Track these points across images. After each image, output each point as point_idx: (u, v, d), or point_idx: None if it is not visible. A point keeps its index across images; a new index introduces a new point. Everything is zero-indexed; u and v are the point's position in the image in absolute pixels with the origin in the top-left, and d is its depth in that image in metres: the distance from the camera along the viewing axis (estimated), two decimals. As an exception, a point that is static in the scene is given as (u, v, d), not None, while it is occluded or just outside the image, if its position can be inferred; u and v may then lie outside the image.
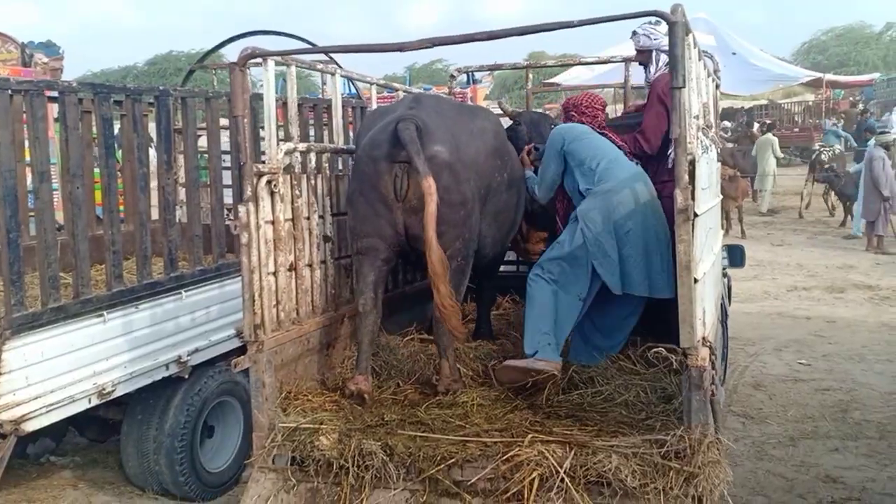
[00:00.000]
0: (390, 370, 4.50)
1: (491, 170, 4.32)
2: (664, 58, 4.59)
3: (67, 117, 4.28)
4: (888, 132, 17.99)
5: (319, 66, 4.53)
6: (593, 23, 3.04)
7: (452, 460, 3.44)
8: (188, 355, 5.18)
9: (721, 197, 5.40)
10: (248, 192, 3.59)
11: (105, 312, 4.60)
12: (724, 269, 6.65)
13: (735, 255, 6.79)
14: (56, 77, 11.04)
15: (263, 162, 3.82)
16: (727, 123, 24.68)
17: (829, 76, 28.81)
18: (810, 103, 29.08)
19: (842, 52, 45.46)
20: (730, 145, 19.35)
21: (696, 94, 3.64)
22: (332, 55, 5.79)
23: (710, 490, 3.12)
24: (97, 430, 5.87)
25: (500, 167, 4.42)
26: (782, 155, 18.04)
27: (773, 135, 18.74)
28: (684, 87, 3.00)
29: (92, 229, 4.89)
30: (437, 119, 4.01)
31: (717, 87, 5.31)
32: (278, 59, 3.81)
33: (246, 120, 3.49)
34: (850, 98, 30.36)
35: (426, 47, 3.25)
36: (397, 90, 5.47)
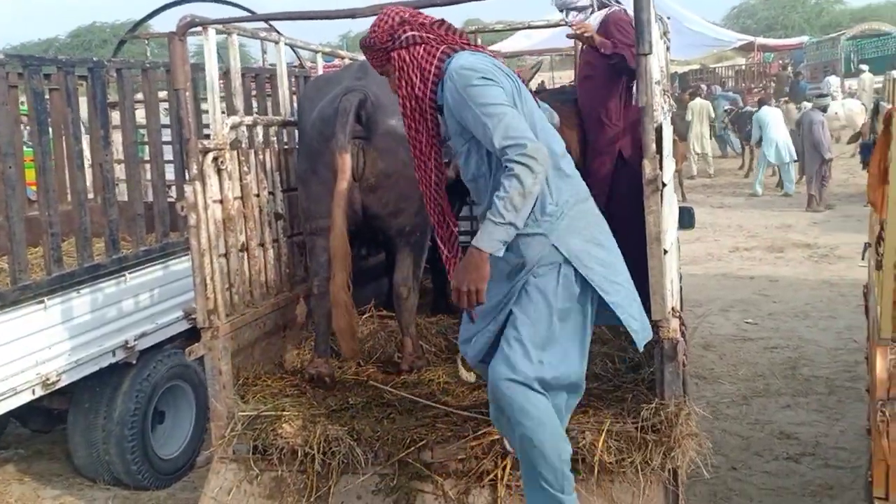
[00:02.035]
0: (349, 350, 4.37)
1: None
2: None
3: (-4, 93, 3.98)
4: (825, 95, 18.46)
5: (262, 35, 4.29)
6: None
7: (422, 442, 3.36)
8: (135, 340, 4.97)
9: (674, 162, 5.36)
10: (194, 170, 3.39)
11: (45, 299, 4.36)
12: None
13: (684, 218, 6.76)
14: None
15: (208, 137, 3.60)
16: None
17: (761, 40, 29.28)
18: (742, 67, 29.53)
19: (770, 15, 46.50)
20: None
21: (656, 58, 3.56)
22: (273, 23, 5.55)
23: (687, 462, 3.10)
24: (41, 421, 5.61)
25: None
26: (713, 116, 18.36)
27: (704, 98, 19.08)
28: (651, 53, 2.91)
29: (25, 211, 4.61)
30: (387, 89, 3.84)
31: (668, 49, 5.24)
32: (219, 27, 3.59)
33: (188, 93, 3.28)
34: (780, 61, 30.92)
35: (377, 14, 3.07)
36: (343, 58, 5.25)
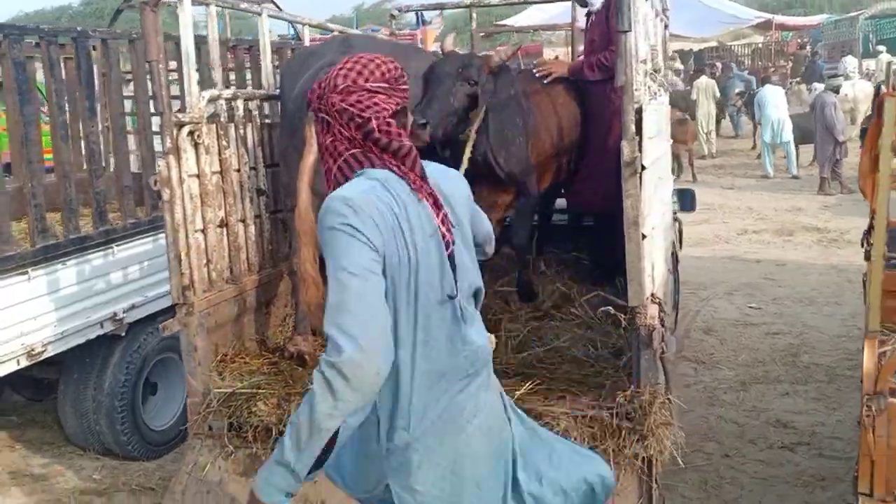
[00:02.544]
0: (333, 327, 4.34)
1: None
2: None
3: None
4: (839, 76, 18.12)
5: (244, 6, 4.21)
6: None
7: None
8: (124, 312, 4.96)
9: (671, 142, 5.25)
10: (168, 144, 3.33)
11: (30, 270, 4.34)
12: (674, 213, 6.57)
13: (686, 200, 6.67)
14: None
15: (182, 111, 3.54)
16: (679, 66, 24.53)
17: (779, 18, 28.76)
18: (760, 46, 29.03)
19: (789, -7, 45.61)
20: (681, 87, 19.31)
21: (644, 36, 3.45)
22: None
23: (661, 451, 3.05)
24: (33, 390, 5.68)
25: None
26: (718, 95, 18.09)
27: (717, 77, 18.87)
28: (630, 30, 2.81)
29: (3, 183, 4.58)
30: None
31: (666, 27, 5.11)
32: (194, -3, 3.51)
33: (161, 65, 3.22)
34: (798, 40, 30.39)
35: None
36: (332, 31, 5.16)
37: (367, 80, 2.15)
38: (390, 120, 2.15)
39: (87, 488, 4.48)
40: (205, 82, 3.95)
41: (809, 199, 13.28)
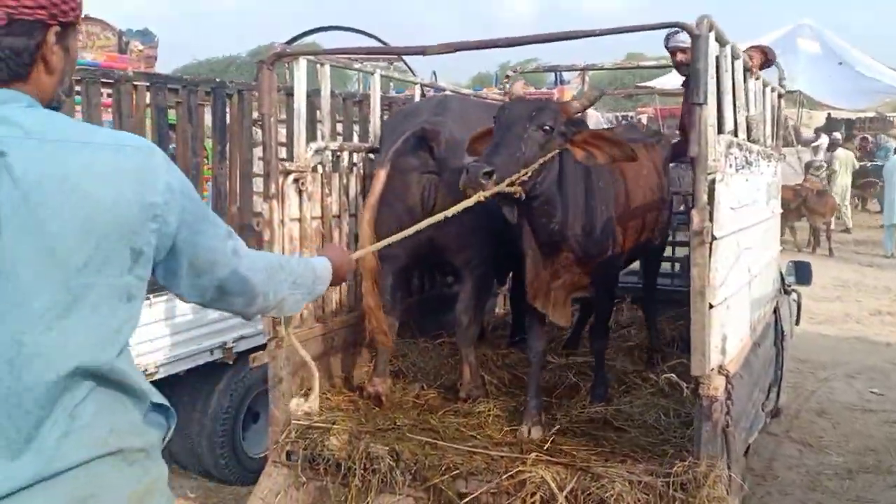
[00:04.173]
0: (417, 373, 4.50)
1: None
2: None
3: (122, 105, 4.43)
4: None
5: (357, 66, 4.53)
6: (616, 32, 2.95)
7: (457, 471, 3.40)
8: (233, 342, 5.31)
9: (778, 213, 5.14)
10: (273, 189, 3.64)
11: (151, 297, 4.75)
12: (789, 286, 6.36)
13: (803, 273, 6.48)
14: (150, 65, 11.46)
15: (290, 160, 3.86)
16: (837, 135, 23.56)
17: (944, 89, 27.03)
18: (922, 116, 27.47)
19: (966, 61, 42.73)
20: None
21: (731, 107, 3.47)
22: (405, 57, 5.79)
23: (714, 526, 2.98)
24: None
25: None
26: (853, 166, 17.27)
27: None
28: (705, 103, 2.86)
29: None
30: (464, 125, 3.96)
31: (781, 96, 5.05)
32: (311, 58, 3.84)
33: (273, 118, 3.54)
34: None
35: (449, 52, 3.22)
36: (444, 90, 5.42)
37: None
38: None
39: (179, 504, 4.79)
40: (315, 134, 4.28)
41: (956, 283, 12.41)
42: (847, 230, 16.93)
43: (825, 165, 17.30)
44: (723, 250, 3.13)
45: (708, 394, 2.99)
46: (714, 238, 2.97)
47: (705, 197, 2.95)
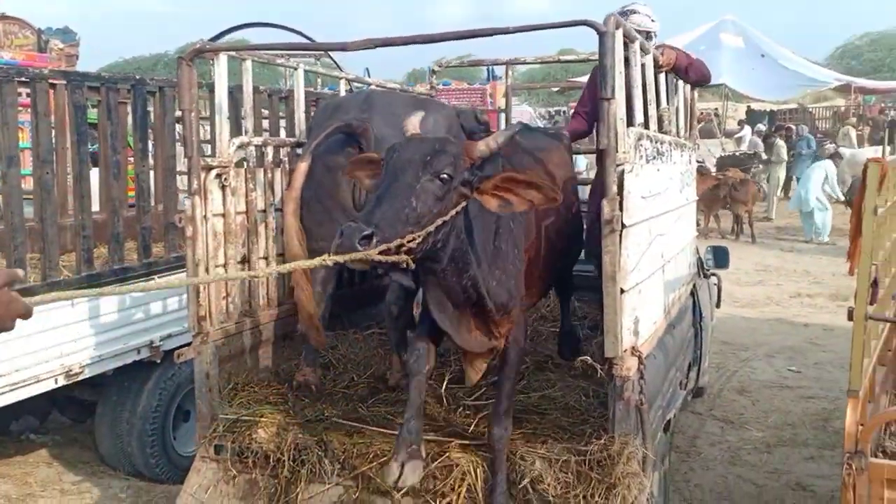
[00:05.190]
0: (347, 364, 4.55)
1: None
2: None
3: (38, 104, 4.36)
4: None
5: (279, 61, 4.55)
6: (527, 30, 3.05)
7: (384, 458, 3.47)
8: (161, 340, 5.28)
9: (693, 200, 5.34)
10: (195, 185, 3.64)
11: (73, 298, 4.69)
12: (708, 270, 6.61)
13: (720, 257, 6.78)
14: (72, 63, 11.16)
15: (211, 156, 3.86)
16: (761, 126, 24.33)
17: (861, 81, 28.22)
18: (841, 108, 28.59)
19: (876, 57, 44.79)
20: (761, 148, 19.32)
21: (641, 101, 3.61)
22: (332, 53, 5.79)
23: (630, 500, 3.13)
24: (76, 411, 6.02)
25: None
26: (786, 159, 17.99)
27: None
28: (613, 98, 2.98)
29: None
30: (390, 121, 4.01)
31: (694, 88, 5.25)
32: (232, 53, 3.85)
33: (193, 114, 3.54)
34: (882, 104, 29.80)
35: (369, 48, 3.28)
36: (371, 84, 5.46)
37: None
38: None
39: (109, 505, 4.75)
40: (238, 129, 4.28)
41: (870, 265, 12.99)
42: (768, 218, 17.55)
43: (760, 157, 18.03)
44: (633, 237, 3.27)
45: (621, 374, 3.13)
46: (624, 226, 3.10)
47: (615, 187, 3.08)
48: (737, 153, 19.57)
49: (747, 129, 22.58)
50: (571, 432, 3.51)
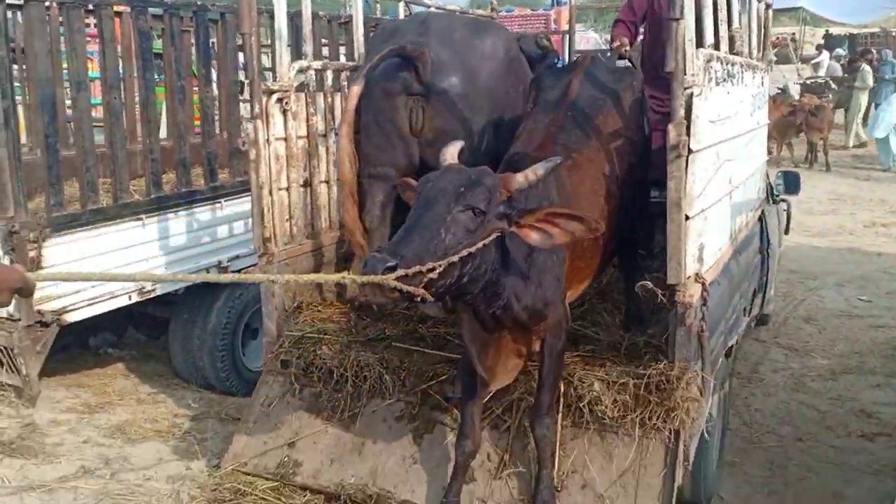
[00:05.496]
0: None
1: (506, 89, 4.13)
2: None
3: (104, 30, 4.42)
4: None
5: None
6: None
7: (444, 377, 3.56)
8: (228, 261, 5.44)
9: (765, 123, 5.15)
10: (257, 109, 3.68)
11: (143, 217, 4.85)
12: (777, 196, 6.43)
13: (791, 182, 6.55)
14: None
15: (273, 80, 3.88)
16: (840, 52, 23.14)
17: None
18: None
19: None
20: (839, 74, 18.43)
21: (711, 20, 3.46)
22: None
23: (688, 424, 3.14)
24: (150, 327, 6.28)
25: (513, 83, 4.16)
26: (871, 85, 17.01)
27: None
28: (682, 17, 2.87)
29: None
30: (448, 44, 3.93)
31: (769, 6, 5.00)
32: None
33: (253, 38, 3.55)
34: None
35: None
36: (430, 7, 5.34)
37: None
38: None
39: (182, 413, 4.97)
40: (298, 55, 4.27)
41: (952, 194, 12.45)
42: (846, 147, 16.87)
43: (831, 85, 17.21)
44: (700, 163, 3.19)
45: (683, 301, 3.10)
46: (691, 151, 3.02)
47: (682, 112, 3.00)
48: (816, 80, 18.71)
49: (825, 55, 21.48)
50: (627, 355, 3.52)
